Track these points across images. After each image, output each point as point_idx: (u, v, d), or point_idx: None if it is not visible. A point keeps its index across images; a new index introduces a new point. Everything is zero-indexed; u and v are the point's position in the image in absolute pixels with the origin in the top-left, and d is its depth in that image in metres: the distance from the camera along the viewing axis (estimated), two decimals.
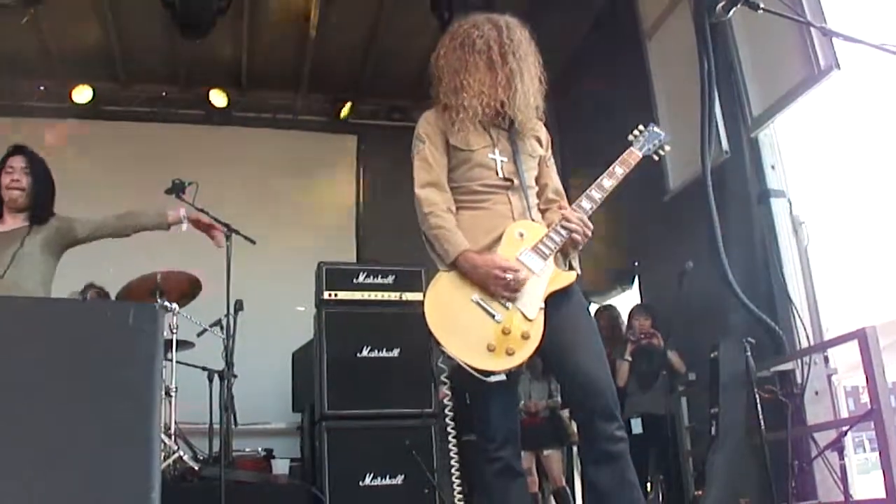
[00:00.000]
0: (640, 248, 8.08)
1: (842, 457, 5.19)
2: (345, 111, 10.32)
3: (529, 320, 3.07)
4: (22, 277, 4.57)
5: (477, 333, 3.05)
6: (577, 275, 3.30)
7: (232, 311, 6.15)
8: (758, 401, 5.40)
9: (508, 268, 3.07)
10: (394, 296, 6.32)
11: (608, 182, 3.28)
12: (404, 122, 10.59)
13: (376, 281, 6.33)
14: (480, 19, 3.44)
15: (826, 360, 5.78)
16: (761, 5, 3.25)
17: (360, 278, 6.32)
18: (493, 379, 3.01)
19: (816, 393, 5.67)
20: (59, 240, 4.77)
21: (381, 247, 9.55)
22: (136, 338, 2.74)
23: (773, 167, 6.41)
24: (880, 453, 4.72)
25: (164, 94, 9.96)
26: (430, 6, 7.65)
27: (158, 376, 2.80)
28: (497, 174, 3.32)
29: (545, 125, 3.59)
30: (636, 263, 8.25)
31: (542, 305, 3.11)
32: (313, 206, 10.10)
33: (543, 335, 3.08)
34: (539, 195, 3.48)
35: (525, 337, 3.04)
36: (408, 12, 8.48)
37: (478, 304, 3.09)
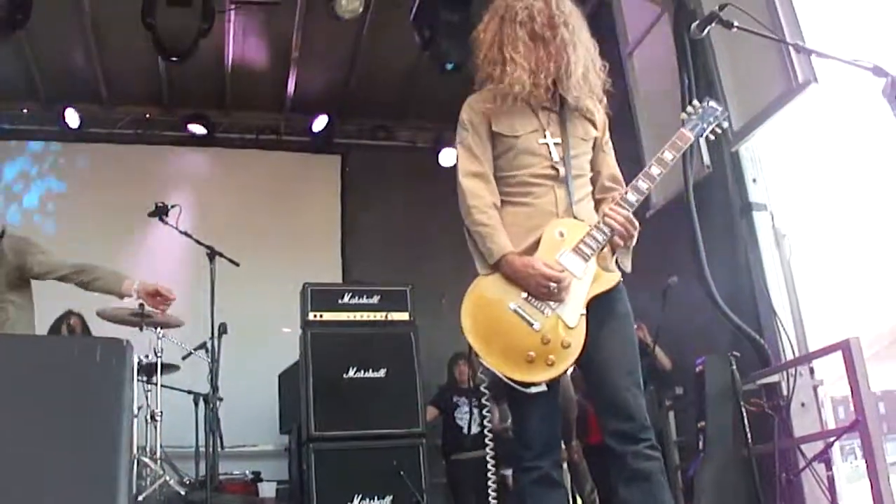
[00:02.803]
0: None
1: (829, 468, 5.20)
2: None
3: (570, 328, 2.96)
4: None
5: (516, 343, 2.94)
6: (621, 278, 3.14)
7: (216, 334, 6.14)
8: (744, 414, 5.40)
9: (551, 277, 2.95)
10: (379, 316, 6.33)
11: (657, 170, 3.09)
12: (389, 142, 10.62)
13: (361, 301, 6.33)
14: None
15: (811, 371, 5.78)
16: (736, 23, 3.25)
17: (346, 299, 6.32)
18: (533, 390, 2.94)
19: (803, 404, 5.66)
20: (15, 266, 4.71)
21: (367, 267, 9.54)
22: (103, 374, 2.72)
23: (754, 180, 6.43)
24: (866, 463, 4.73)
25: (147, 116, 9.94)
26: (412, 25, 7.67)
27: (127, 412, 2.78)
28: (549, 159, 3.16)
29: (604, 106, 3.38)
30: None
31: (584, 311, 2.99)
32: (298, 226, 10.04)
33: (585, 343, 2.97)
34: (594, 183, 3.32)
35: (565, 346, 2.94)
36: (390, 31, 8.50)
37: (516, 311, 2.98)
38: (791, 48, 5.49)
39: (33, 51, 8.61)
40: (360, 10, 7.64)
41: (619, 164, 3.42)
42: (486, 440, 3.27)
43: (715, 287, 6.14)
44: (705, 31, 3.32)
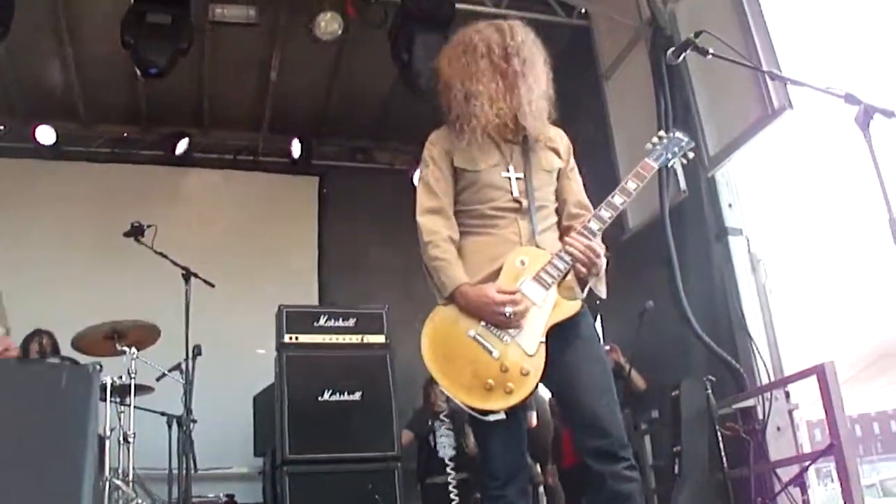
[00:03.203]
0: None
1: (804, 492, 5.21)
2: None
3: (529, 355, 2.93)
4: None
5: (474, 371, 2.92)
6: (583, 303, 3.11)
7: (190, 356, 6.10)
8: (720, 438, 5.41)
9: (504, 301, 2.94)
10: (355, 338, 6.31)
11: (619, 199, 3.10)
12: (366, 164, 10.62)
13: (337, 324, 6.32)
14: (483, 24, 3.32)
15: (787, 395, 5.81)
16: (711, 51, 3.27)
17: (321, 321, 6.30)
18: (491, 418, 2.91)
19: (778, 428, 5.69)
20: None
21: (344, 289, 9.50)
22: (69, 400, 2.71)
23: (730, 205, 6.48)
24: (842, 486, 4.75)
25: (125, 134, 9.89)
26: (391, 48, 7.69)
27: (91, 437, 2.77)
28: (510, 194, 3.18)
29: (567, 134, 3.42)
30: (598, 303, 8.27)
31: (543, 339, 2.97)
32: (274, 248, 9.94)
33: (545, 370, 2.94)
34: (560, 210, 3.34)
35: (524, 373, 2.91)
36: (368, 54, 8.51)
37: (475, 339, 2.97)
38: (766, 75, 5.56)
39: (12, 67, 8.56)
40: (339, 32, 7.67)
41: (595, 189, 3.42)
42: (448, 468, 3.25)
43: (691, 311, 6.17)
44: (681, 57, 3.33)
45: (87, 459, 2.69)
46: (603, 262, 3.08)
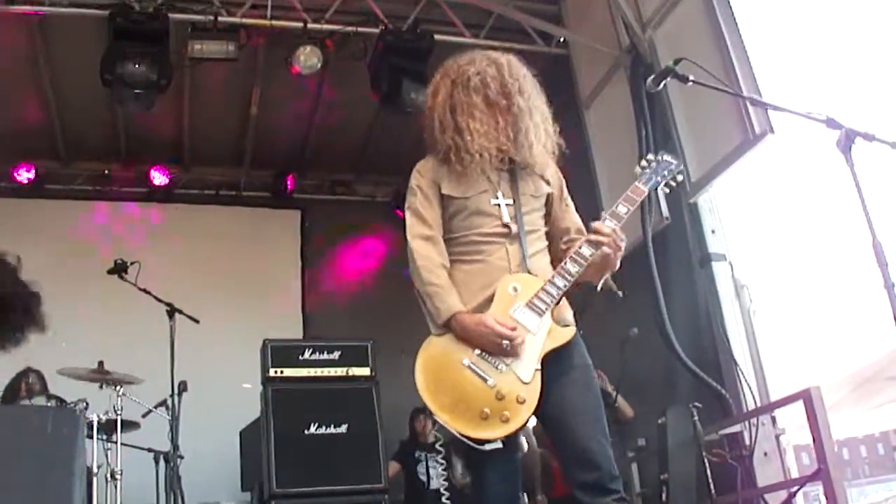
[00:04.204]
0: (584, 315, 8.07)
1: None
2: None
3: (525, 383, 2.90)
4: None
5: (470, 400, 2.89)
6: (576, 331, 3.09)
7: (176, 392, 6.08)
8: (707, 464, 5.39)
9: (502, 334, 2.91)
10: (340, 371, 6.29)
11: (611, 223, 3.09)
12: (348, 196, 10.62)
13: (322, 357, 6.30)
14: (478, 56, 3.30)
15: (773, 420, 5.80)
16: (691, 78, 3.27)
17: (306, 355, 6.29)
18: (488, 447, 2.88)
19: (765, 454, 5.67)
20: None
21: (328, 322, 9.47)
22: (55, 443, 2.69)
23: (713, 231, 6.49)
24: None
25: (106, 171, 9.87)
26: (370, 80, 7.71)
27: (79, 478, 2.75)
28: (500, 220, 3.16)
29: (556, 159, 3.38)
30: (581, 332, 8.26)
31: (538, 367, 2.94)
32: (258, 282, 9.94)
33: (541, 397, 2.92)
34: (561, 237, 3.33)
35: (520, 401, 2.88)
36: (348, 87, 8.53)
37: (469, 367, 2.93)
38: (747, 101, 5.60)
39: None
40: (319, 65, 7.69)
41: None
42: (443, 499, 3.21)
43: (675, 338, 6.16)
44: (661, 85, 3.34)
45: (74, 500, 2.67)
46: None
